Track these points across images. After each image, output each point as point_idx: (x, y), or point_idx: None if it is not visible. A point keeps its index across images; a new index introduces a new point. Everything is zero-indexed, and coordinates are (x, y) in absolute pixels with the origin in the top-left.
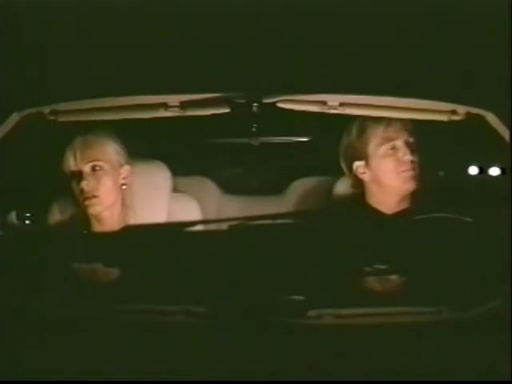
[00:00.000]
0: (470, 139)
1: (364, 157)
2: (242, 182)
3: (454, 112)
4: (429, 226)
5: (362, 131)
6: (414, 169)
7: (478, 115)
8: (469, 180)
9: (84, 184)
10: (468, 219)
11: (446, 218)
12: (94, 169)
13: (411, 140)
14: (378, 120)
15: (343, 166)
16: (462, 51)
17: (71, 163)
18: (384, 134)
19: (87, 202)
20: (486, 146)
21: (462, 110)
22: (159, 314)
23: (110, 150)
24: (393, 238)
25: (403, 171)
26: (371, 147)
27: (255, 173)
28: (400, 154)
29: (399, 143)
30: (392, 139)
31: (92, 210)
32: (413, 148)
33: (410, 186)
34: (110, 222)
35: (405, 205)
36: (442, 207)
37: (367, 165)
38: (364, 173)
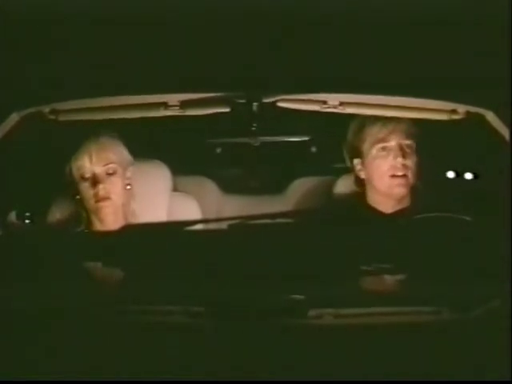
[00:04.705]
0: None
1: (360, 155)
2: (242, 181)
3: (454, 111)
4: (428, 225)
5: (360, 129)
6: (405, 174)
7: (477, 114)
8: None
9: (101, 187)
10: (468, 219)
11: (445, 217)
12: (107, 172)
13: (407, 143)
14: (377, 119)
15: (347, 161)
16: (462, 51)
17: (86, 165)
18: (378, 133)
19: (101, 204)
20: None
21: (461, 109)
22: (159, 314)
23: (122, 152)
24: (392, 237)
25: (394, 175)
26: (366, 146)
27: (255, 173)
28: (391, 157)
29: (392, 145)
30: (384, 140)
31: (104, 213)
32: (407, 151)
33: (399, 191)
34: (111, 221)
35: (403, 204)
36: (442, 207)
37: (363, 163)
38: (361, 170)
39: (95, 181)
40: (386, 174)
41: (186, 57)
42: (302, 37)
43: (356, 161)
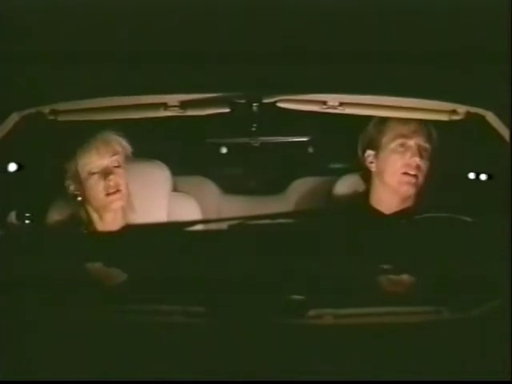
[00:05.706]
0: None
1: (376, 147)
2: (242, 181)
3: (453, 111)
4: (428, 226)
5: (383, 121)
6: (417, 175)
7: (477, 114)
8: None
9: (112, 178)
10: (468, 219)
11: (445, 217)
12: (113, 164)
13: (425, 146)
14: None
15: (359, 152)
16: (462, 51)
17: (93, 160)
18: (400, 129)
19: (112, 197)
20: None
21: (461, 109)
22: (159, 314)
23: (124, 146)
24: (392, 238)
25: (406, 173)
26: (385, 139)
27: (255, 173)
28: (408, 155)
29: (411, 143)
30: (406, 137)
31: (116, 205)
32: (424, 154)
33: (407, 189)
34: (111, 221)
35: (406, 205)
36: (442, 207)
37: (377, 156)
38: (372, 162)
39: (106, 172)
40: (399, 170)
41: (186, 56)
42: (303, 36)
43: (369, 152)
